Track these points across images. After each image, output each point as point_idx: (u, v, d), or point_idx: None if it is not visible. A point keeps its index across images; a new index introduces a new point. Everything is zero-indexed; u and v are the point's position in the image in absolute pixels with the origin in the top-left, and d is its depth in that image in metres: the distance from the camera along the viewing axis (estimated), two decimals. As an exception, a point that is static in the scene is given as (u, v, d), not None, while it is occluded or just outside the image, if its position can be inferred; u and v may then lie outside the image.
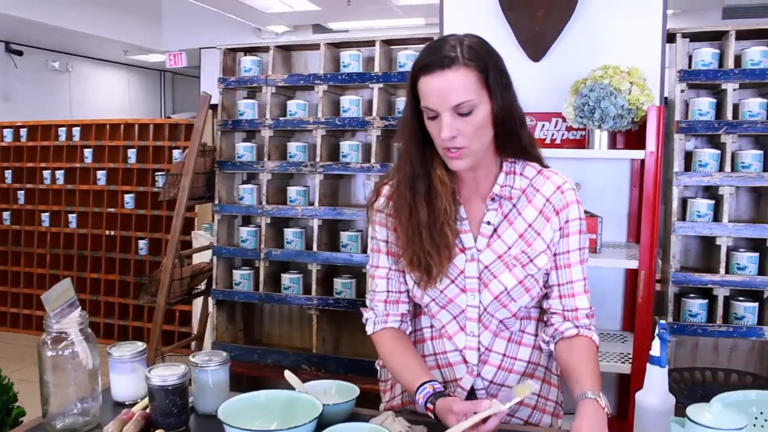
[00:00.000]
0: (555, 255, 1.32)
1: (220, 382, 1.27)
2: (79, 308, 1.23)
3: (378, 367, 1.57)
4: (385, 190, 1.38)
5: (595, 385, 1.19)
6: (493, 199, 1.31)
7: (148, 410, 1.21)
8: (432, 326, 1.39)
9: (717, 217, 2.36)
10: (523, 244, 1.30)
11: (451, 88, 1.17)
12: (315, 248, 2.69)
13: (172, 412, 1.19)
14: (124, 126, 4.50)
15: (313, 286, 2.70)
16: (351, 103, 2.69)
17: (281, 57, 2.84)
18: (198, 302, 3.31)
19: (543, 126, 2.41)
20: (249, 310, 3.01)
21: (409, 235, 1.29)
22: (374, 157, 2.64)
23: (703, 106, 2.41)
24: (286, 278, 2.75)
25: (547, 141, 2.41)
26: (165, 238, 4.18)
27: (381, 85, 2.63)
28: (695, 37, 2.47)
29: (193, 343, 3.24)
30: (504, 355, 1.36)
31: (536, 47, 2.33)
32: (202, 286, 3.08)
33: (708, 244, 2.46)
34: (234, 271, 2.84)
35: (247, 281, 2.80)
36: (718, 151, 2.39)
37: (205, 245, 3.29)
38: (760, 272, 2.37)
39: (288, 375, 1.32)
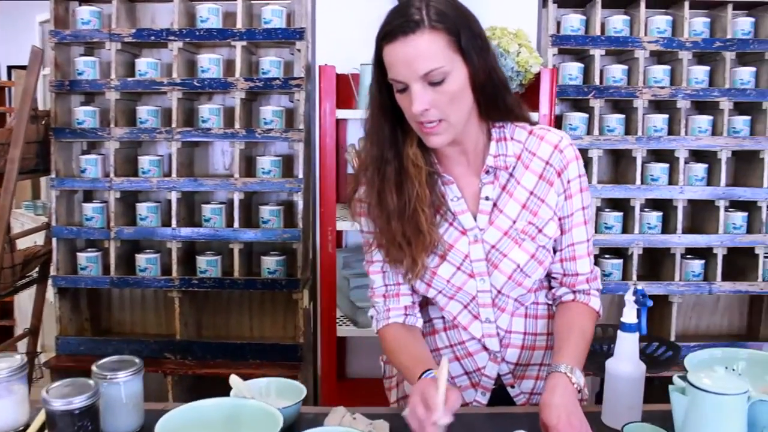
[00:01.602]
0: (560, 219, 1.26)
1: (135, 395, 1.12)
2: None
3: (382, 363, 1.50)
4: (365, 177, 1.27)
5: (573, 359, 1.16)
6: (487, 172, 1.23)
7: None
8: (443, 317, 1.32)
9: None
10: (528, 214, 1.23)
11: (417, 55, 1.07)
12: (174, 224, 2.53)
13: None
14: None
15: (174, 266, 2.54)
16: (211, 63, 2.53)
17: (125, 8, 2.60)
18: (24, 292, 3.00)
19: (419, 89, 2.43)
20: (95, 298, 2.77)
21: (380, 225, 1.20)
22: (238, 122, 2.52)
23: (573, 70, 2.55)
24: (141, 259, 2.55)
25: (424, 104, 2.44)
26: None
27: (244, 42, 2.49)
28: (563, 3, 2.62)
29: (26, 339, 2.94)
30: (525, 333, 1.31)
31: (412, 5, 2.34)
32: (34, 274, 2.80)
33: (577, 207, 2.64)
34: (78, 254, 2.59)
35: (94, 264, 2.57)
36: (587, 115, 2.56)
37: (36, 226, 2.98)
38: (624, 231, 2.60)
39: (234, 380, 1.19)
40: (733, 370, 1.17)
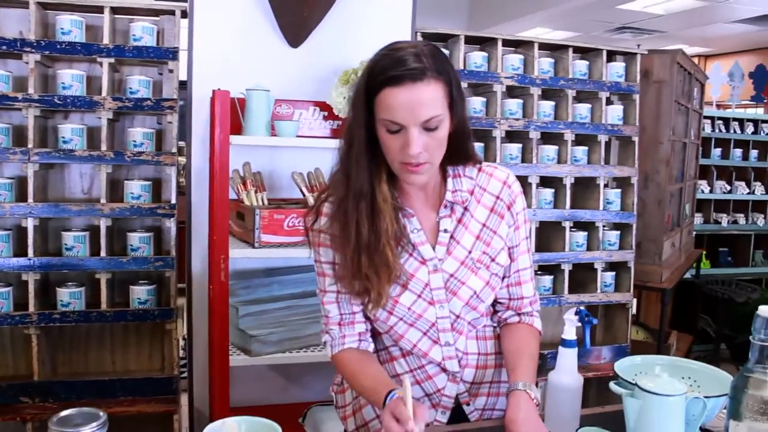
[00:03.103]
0: (509, 248, 1.41)
1: None
2: None
3: (333, 393, 1.54)
4: (326, 208, 1.34)
5: (527, 376, 1.32)
6: (446, 206, 1.36)
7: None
8: (396, 344, 1.41)
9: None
10: (482, 245, 1.37)
11: (421, 103, 1.17)
12: (31, 254, 2.40)
13: None
14: None
15: (31, 300, 2.41)
16: (74, 79, 2.45)
17: (-33, 14, 2.43)
18: None
19: (300, 114, 2.55)
20: (-77, 340, 2.52)
21: (348, 258, 1.28)
22: (104, 144, 2.46)
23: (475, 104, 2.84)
24: (-9, 294, 2.38)
25: (304, 130, 2.56)
26: None
27: (112, 59, 2.44)
28: (430, 38, 2.88)
29: None
30: (478, 353, 1.44)
31: (297, 33, 2.45)
32: None
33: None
34: None
35: (-69, 302, 2.35)
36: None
37: None
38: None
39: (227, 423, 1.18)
40: (654, 374, 1.39)
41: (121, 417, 2.37)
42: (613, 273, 3.14)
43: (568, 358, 1.36)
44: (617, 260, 3.12)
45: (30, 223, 2.39)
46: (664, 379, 1.19)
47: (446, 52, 2.85)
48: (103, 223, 2.46)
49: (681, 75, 3.46)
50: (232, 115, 2.35)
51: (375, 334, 1.47)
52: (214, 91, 2.20)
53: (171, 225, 2.53)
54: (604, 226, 3.10)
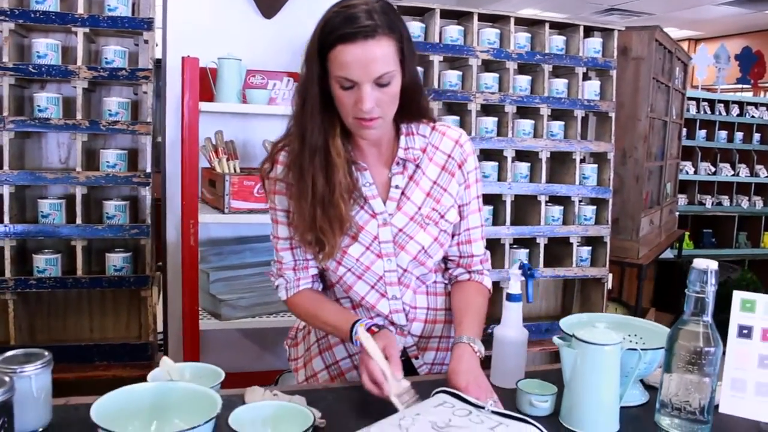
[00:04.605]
0: (459, 206, 1.43)
1: (46, 388, 1.11)
2: None
3: (287, 347, 1.56)
4: (282, 157, 1.36)
5: (472, 330, 1.34)
6: (398, 163, 1.38)
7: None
8: (350, 297, 1.43)
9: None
10: (432, 201, 1.39)
11: (373, 59, 1.19)
12: (7, 220, 2.40)
13: None
14: None
15: (7, 266, 2.41)
16: (48, 48, 2.44)
17: (-60, -18, 2.42)
18: None
19: (274, 84, 2.54)
20: None
21: (302, 209, 1.30)
22: (80, 113, 2.45)
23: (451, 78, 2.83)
24: (-33, 259, 2.39)
25: (279, 100, 2.56)
26: None
27: (86, 29, 2.42)
28: (405, 11, 2.87)
29: None
30: (427, 308, 1.46)
31: (270, 4, 2.45)
32: None
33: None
34: None
35: None
36: (428, 116, 2.84)
37: None
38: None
39: (166, 361, 1.19)
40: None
41: (97, 380, 2.39)
42: (590, 248, 3.14)
43: (513, 311, 1.37)
44: (593, 235, 3.12)
45: (5, 191, 2.39)
46: (600, 330, 1.19)
47: (422, 25, 2.84)
48: (79, 191, 2.46)
49: (660, 53, 3.44)
50: (205, 84, 2.35)
51: (327, 287, 1.49)
52: (183, 58, 2.19)
53: (146, 194, 2.53)
54: (580, 201, 3.09)
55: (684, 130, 4.57)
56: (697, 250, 5.02)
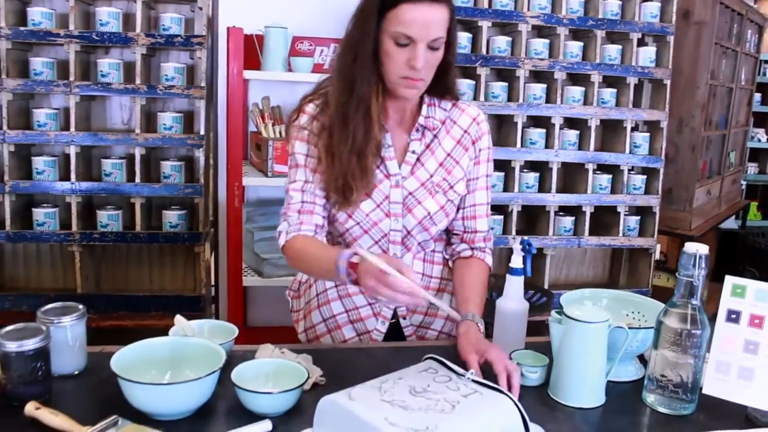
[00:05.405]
0: (467, 180, 1.51)
1: (80, 338, 1.25)
2: None
3: (289, 298, 1.66)
4: (310, 108, 1.44)
5: (477, 308, 1.42)
6: (417, 130, 1.45)
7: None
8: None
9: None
10: (443, 171, 1.47)
11: (434, 22, 1.28)
12: (74, 178, 2.59)
13: (37, 380, 1.13)
14: None
15: (74, 220, 2.61)
16: (110, 16, 2.58)
17: (14, -46, 2.58)
18: None
19: (322, 51, 2.61)
20: (-17, 253, 2.79)
21: (340, 154, 1.37)
22: (139, 78, 2.59)
23: (462, 40, 2.81)
24: (39, 213, 2.59)
25: (326, 66, 2.63)
26: None
27: (144, -3, 2.57)
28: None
29: None
30: (422, 274, 1.54)
31: (316, -29, 2.50)
32: None
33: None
34: (-31, 208, 2.60)
35: (-13, 219, 2.59)
36: (473, 82, 2.85)
37: None
38: (505, 189, 2.94)
39: (179, 319, 1.32)
40: (599, 305, 1.47)
41: (152, 329, 2.58)
42: (638, 218, 3.10)
43: (514, 284, 1.42)
44: (642, 205, 3.07)
45: (72, 151, 2.58)
46: (588, 307, 1.23)
47: (472, -9, 2.82)
48: (138, 152, 2.62)
49: (727, 16, 3.29)
50: (253, 51, 2.43)
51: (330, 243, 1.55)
52: (228, 28, 2.28)
53: (200, 155, 2.66)
54: (630, 170, 3.05)
55: (757, 96, 4.36)
56: (765, 221, 4.83)
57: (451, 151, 1.49)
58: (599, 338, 1.20)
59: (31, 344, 1.13)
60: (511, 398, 1.06)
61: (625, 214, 3.06)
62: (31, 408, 1.07)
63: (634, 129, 3.05)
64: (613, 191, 3.04)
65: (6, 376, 1.13)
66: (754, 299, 1.15)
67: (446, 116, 1.50)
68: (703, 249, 1.15)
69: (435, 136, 1.49)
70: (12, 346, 1.12)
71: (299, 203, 1.45)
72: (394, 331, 1.58)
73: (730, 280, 1.18)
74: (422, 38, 1.29)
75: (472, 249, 1.56)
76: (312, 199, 1.45)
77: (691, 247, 1.16)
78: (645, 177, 3.06)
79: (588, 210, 2.99)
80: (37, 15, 2.56)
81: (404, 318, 1.58)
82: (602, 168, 3.04)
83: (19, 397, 1.11)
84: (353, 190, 1.39)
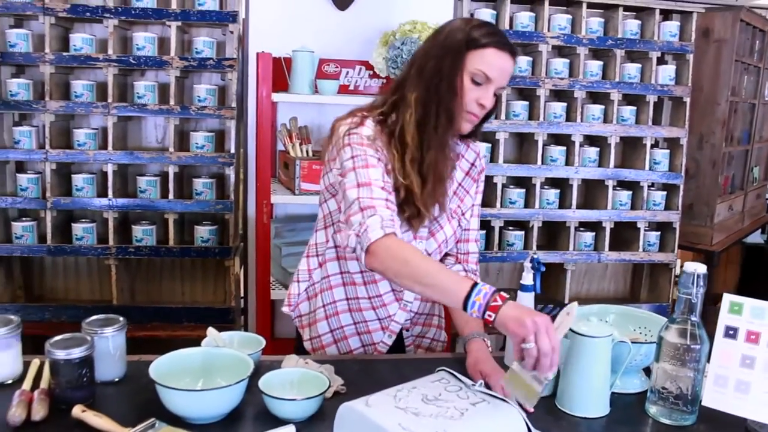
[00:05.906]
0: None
1: (120, 347, 1.36)
2: None
3: (290, 312, 1.72)
4: (370, 123, 1.47)
5: (479, 327, 1.52)
6: None
7: (44, 387, 1.24)
8: (363, 271, 1.56)
9: (493, 159, 2.93)
10: (457, 200, 1.61)
11: (508, 72, 1.44)
12: (111, 195, 2.73)
13: (82, 385, 1.24)
14: None
15: (111, 235, 2.75)
16: (146, 41, 2.73)
17: (58, -18, 2.74)
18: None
19: (347, 73, 2.72)
20: (28, 266, 2.94)
21: (424, 178, 1.45)
22: (173, 99, 2.73)
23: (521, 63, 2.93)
24: (78, 228, 2.74)
25: (351, 87, 2.74)
26: None
27: (179, 23, 2.70)
28: (477, -4, 2.96)
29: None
30: None
31: (343, -4, 2.62)
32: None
33: (486, 183, 3.02)
34: (13, 223, 2.75)
35: (30, 233, 2.74)
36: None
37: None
38: (526, 206, 3.01)
39: (211, 331, 1.42)
40: (606, 321, 1.55)
41: (184, 340, 2.69)
42: (658, 233, 3.15)
43: (525, 300, 1.50)
44: (662, 220, 3.12)
45: (110, 168, 2.72)
46: (594, 323, 1.31)
47: (493, 12, 2.91)
48: (172, 170, 2.75)
49: (748, 33, 3.34)
50: (281, 72, 2.55)
51: (343, 259, 1.60)
52: (257, 53, 2.40)
53: (231, 173, 2.79)
54: (650, 186, 3.10)
55: (783, 111, 4.36)
56: (793, 236, 4.82)
57: (461, 182, 1.63)
58: (603, 352, 1.28)
59: (77, 353, 1.24)
60: (516, 408, 1.14)
61: (645, 230, 3.11)
62: (77, 410, 1.19)
63: (654, 146, 3.11)
64: (633, 207, 3.09)
65: (55, 382, 1.25)
66: (750, 316, 1.22)
67: (458, 151, 1.63)
68: (701, 269, 1.22)
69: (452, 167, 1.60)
70: (60, 354, 1.23)
71: (383, 201, 1.38)
72: (395, 341, 1.67)
73: (728, 298, 1.25)
74: (497, 82, 1.43)
75: (465, 270, 1.68)
76: (393, 200, 1.43)
77: (690, 266, 1.23)
78: (665, 193, 3.11)
79: (608, 226, 3.05)
80: (78, 41, 2.71)
81: (407, 330, 1.68)
82: (622, 184, 3.10)
83: (67, 401, 1.22)
84: (428, 213, 1.48)
